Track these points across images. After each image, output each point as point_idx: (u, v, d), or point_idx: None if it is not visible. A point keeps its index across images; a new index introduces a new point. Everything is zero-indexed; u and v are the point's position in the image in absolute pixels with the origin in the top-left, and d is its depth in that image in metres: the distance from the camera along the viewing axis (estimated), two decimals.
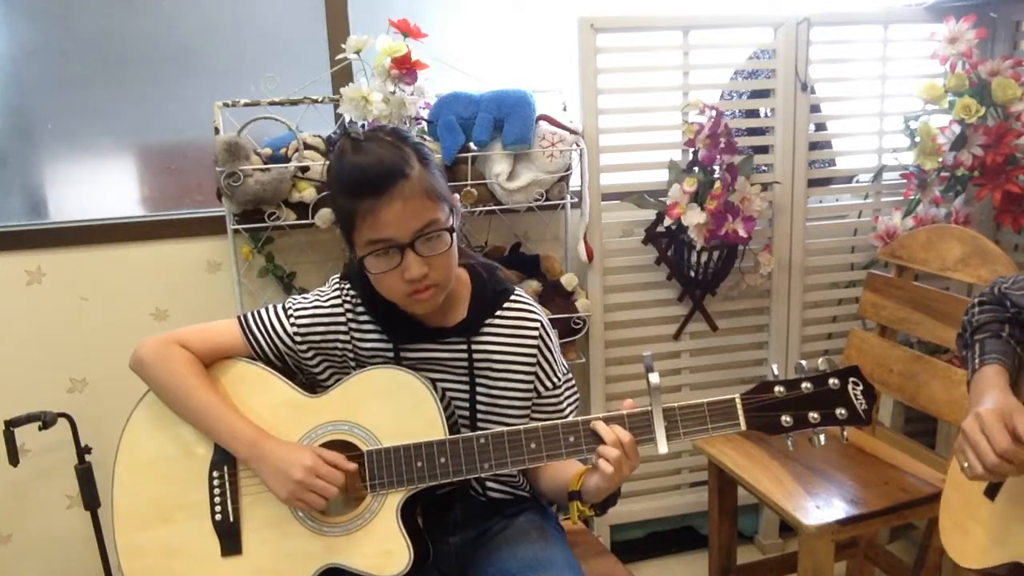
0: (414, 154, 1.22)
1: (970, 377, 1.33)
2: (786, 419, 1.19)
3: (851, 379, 1.20)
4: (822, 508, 1.67)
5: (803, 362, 1.22)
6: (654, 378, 1.19)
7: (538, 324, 1.36)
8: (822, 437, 1.20)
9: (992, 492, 1.31)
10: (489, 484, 1.39)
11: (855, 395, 1.19)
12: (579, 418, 1.23)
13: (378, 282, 1.25)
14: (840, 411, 1.19)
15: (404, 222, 1.19)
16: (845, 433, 1.21)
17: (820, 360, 1.21)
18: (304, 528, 1.28)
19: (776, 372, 1.22)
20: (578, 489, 1.25)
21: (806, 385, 1.19)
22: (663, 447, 1.19)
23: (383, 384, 1.28)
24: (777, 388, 1.20)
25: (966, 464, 1.21)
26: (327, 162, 1.90)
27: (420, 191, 1.20)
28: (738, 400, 1.20)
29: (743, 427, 1.19)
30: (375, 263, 1.22)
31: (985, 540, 1.31)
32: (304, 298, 1.36)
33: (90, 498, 1.95)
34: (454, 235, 1.25)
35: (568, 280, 2.13)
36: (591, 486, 1.22)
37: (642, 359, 1.20)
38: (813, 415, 1.19)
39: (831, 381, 1.19)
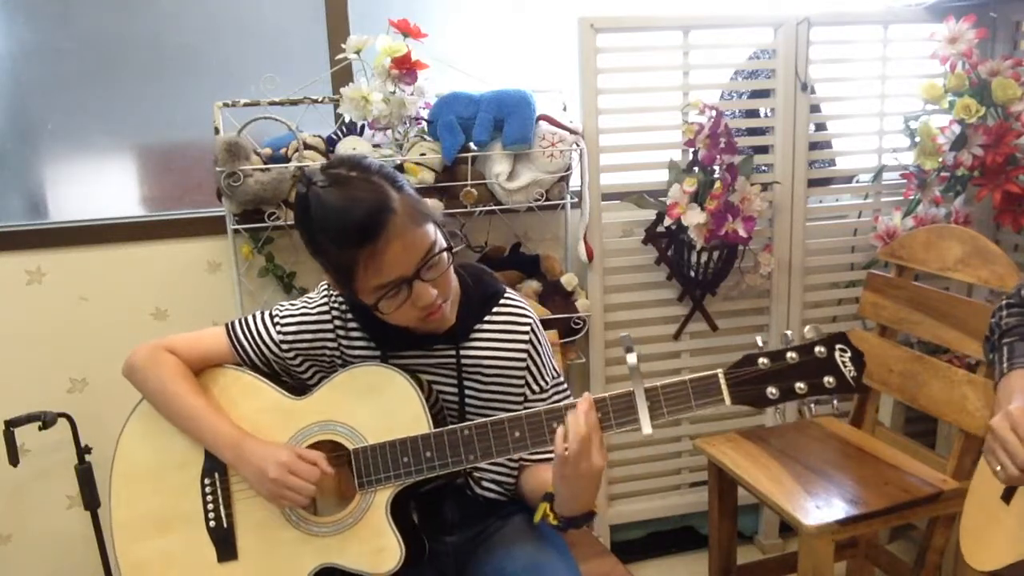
0: (386, 183, 1.17)
1: (997, 380, 1.32)
2: (772, 391, 1.14)
3: (838, 346, 1.14)
4: (822, 508, 1.67)
5: (788, 332, 1.18)
6: (631, 359, 1.16)
7: (529, 324, 1.36)
8: (812, 407, 1.15)
9: (1008, 496, 1.31)
10: (485, 484, 1.38)
11: (843, 362, 1.13)
12: (563, 403, 1.21)
13: (392, 319, 1.23)
14: (828, 379, 1.13)
15: (407, 258, 1.17)
16: (835, 402, 1.16)
17: (807, 328, 1.16)
18: (297, 530, 1.28)
19: (761, 344, 1.17)
20: (553, 492, 1.23)
21: (791, 355, 1.14)
22: (647, 428, 1.16)
23: (367, 382, 1.28)
24: (761, 360, 1.14)
25: (998, 467, 1.19)
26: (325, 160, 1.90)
27: (409, 221, 1.16)
28: (721, 375, 1.15)
29: (728, 402, 1.15)
30: (388, 304, 1.19)
31: (1001, 542, 1.30)
32: (292, 305, 1.36)
33: (90, 498, 1.94)
34: (450, 253, 1.22)
35: (568, 280, 2.13)
36: (555, 477, 1.19)
37: (620, 340, 1.14)
38: (800, 385, 1.13)
39: (817, 349, 1.13)
